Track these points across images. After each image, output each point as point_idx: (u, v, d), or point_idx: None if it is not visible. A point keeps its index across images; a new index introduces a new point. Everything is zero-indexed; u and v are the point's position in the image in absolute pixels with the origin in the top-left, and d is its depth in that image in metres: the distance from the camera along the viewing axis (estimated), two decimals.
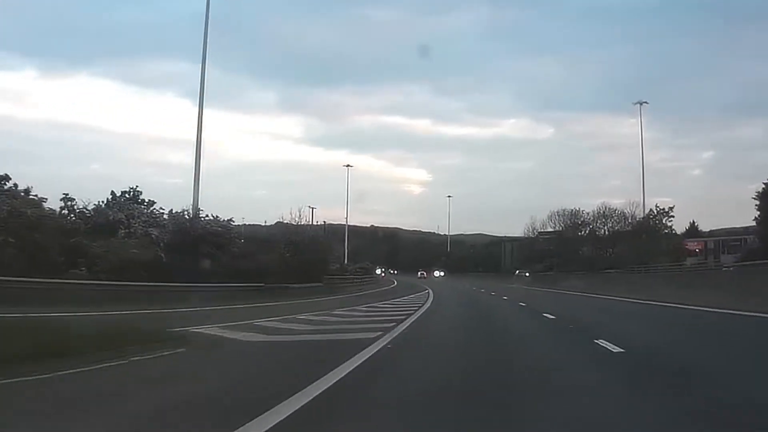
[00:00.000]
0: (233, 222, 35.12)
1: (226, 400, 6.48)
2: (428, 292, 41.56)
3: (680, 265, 50.86)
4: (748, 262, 32.66)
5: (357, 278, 62.76)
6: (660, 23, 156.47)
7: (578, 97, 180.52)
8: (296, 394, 6.38)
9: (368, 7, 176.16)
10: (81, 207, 31.60)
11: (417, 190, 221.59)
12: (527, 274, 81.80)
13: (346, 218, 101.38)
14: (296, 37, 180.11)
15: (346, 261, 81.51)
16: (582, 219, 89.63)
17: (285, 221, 50.30)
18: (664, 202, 71.94)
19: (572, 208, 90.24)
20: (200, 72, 37.86)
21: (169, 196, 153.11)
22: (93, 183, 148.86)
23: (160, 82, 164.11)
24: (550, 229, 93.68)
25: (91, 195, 59.00)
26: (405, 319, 17.84)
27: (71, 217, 30.88)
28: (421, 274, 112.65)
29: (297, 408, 5.87)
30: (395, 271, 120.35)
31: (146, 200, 34.43)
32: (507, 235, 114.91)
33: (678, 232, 70.45)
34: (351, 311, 22.19)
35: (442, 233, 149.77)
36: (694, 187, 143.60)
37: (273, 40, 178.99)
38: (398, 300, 32.05)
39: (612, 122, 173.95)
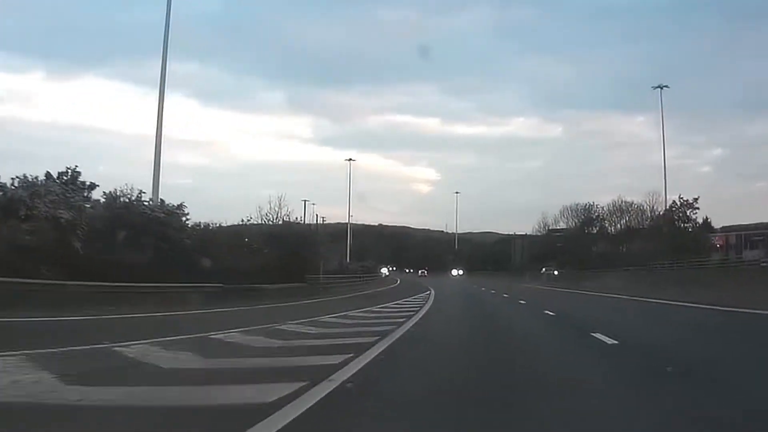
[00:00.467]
0: (185, 208, 27.79)
1: None
2: (429, 294, 35.65)
3: (725, 260, 44.50)
4: None
5: (355, 278, 59.85)
6: (669, 22, 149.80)
7: (587, 95, 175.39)
8: None
9: (376, 7, 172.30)
10: None
11: (426, 189, 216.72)
12: (555, 272, 73.88)
13: (348, 214, 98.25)
14: (304, 37, 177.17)
15: (348, 260, 77.43)
16: (597, 213, 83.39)
17: (264, 212, 44.16)
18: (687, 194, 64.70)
19: (586, 202, 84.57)
20: (160, 63, 33.28)
21: (172, 196, 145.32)
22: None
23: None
24: (562, 226, 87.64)
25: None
26: (381, 339, 11.47)
27: None
28: (422, 272, 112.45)
29: None
30: (409, 270, 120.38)
31: (87, 183, 27.75)
32: (516, 233, 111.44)
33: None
34: (325, 319, 15.82)
35: (450, 231, 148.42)
36: (704, 184, 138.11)
37: (281, 40, 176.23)
38: (386, 307, 24.36)
39: (621, 120, 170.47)
